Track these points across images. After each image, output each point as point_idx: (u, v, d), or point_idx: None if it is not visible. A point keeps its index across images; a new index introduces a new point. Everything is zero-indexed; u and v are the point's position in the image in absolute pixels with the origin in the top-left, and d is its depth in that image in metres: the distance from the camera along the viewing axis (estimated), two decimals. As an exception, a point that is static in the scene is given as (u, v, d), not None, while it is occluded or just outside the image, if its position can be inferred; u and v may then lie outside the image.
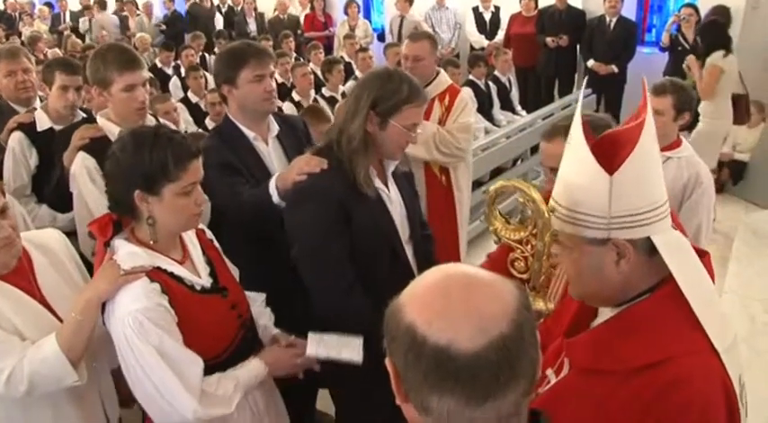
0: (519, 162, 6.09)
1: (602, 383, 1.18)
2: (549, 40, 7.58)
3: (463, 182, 3.71)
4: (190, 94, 6.23)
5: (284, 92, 6.22)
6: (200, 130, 5.10)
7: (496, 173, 5.75)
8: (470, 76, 6.48)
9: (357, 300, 2.06)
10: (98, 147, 2.49)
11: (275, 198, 2.21)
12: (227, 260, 2.04)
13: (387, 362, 0.89)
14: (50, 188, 2.80)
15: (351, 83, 6.41)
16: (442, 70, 3.76)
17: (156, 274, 1.70)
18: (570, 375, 1.30)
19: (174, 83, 7.22)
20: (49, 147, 2.86)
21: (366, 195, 2.08)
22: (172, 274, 1.74)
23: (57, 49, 8.59)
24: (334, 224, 2.06)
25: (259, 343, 2.03)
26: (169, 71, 7.73)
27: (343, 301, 2.07)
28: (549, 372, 1.38)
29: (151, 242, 1.74)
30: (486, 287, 0.85)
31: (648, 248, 1.18)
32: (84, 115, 3.10)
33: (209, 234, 2.04)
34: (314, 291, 2.12)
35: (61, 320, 1.74)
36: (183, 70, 7.25)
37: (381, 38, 9.60)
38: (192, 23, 10.44)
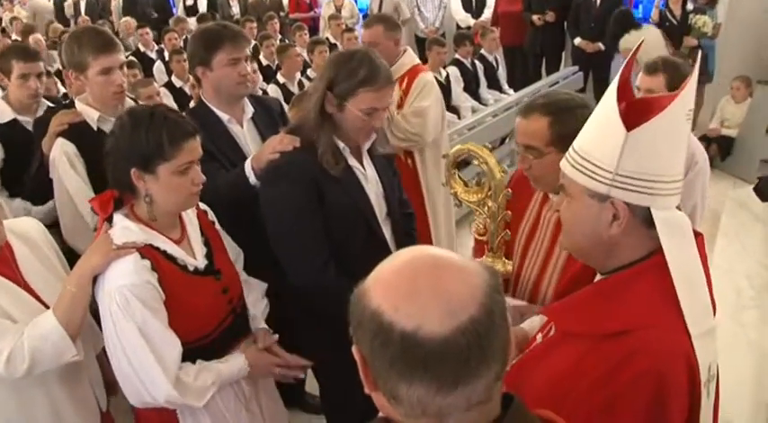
0: (507, 140, 6.07)
1: (572, 348, 1.20)
2: (534, 17, 7.53)
3: (431, 164, 3.66)
4: (174, 78, 6.15)
5: (269, 74, 6.17)
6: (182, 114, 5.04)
7: (484, 152, 5.73)
8: (456, 56, 6.43)
9: (332, 277, 2.06)
10: (77, 132, 2.47)
11: (252, 179, 2.21)
12: (229, 243, 2.05)
13: (353, 349, 0.86)
14: (30, 176, 2.73)
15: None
16: (409, 51, 3.66)
17: (148, 251, 1.71)
18: (553, 336, 1.32)
19: (159, 67, 7.12)
20: (14, 138, 2.80)
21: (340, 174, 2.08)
22: (165, 253, 1.75)
23: (38, 35, 8.45)
24: (307, 202, 2.05)
25: (247, 331, 2.02)
26: (153, 55, 7.63)
27: (318, 279, 2.07)
28: (539, 336, 1.41)
29: (150, 220, 1.76)
30: (453, 270, 0.82)
31: (645, 219, 1.18)
32: (51, 105, 3.04)
33: (211, 215, 2.04)
34: (289, 269, 2.12)
35: (47, 306, 1.74)
36: (167, 54, 7.15)
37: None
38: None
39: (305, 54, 6.37)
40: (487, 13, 8.21)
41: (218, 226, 2.04)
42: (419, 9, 8.36)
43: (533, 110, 1.73)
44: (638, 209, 1.17)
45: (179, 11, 10.24)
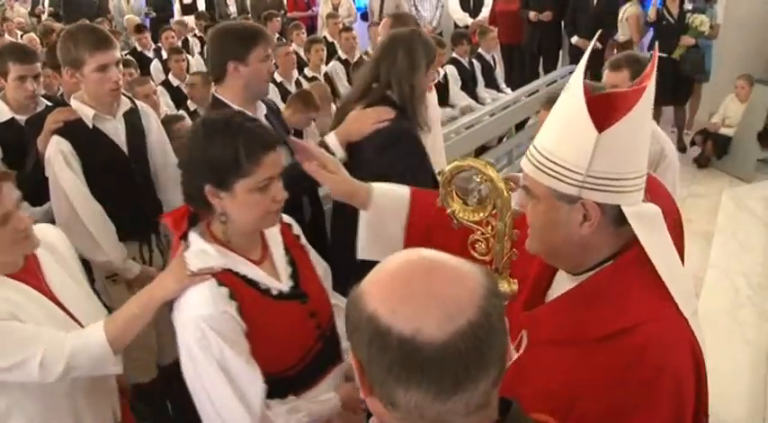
0: (504, 140, 6.07)
1: (567, 354, 1.18)
2: (531, 14, 7.53)
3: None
4: (171, 76, 6.14)
5: (266, 73, 6.15)
6: (181, 112, 5.02)
7: (481, 151, 5.72)
8: (454, 54, 6.43)
9: None
10: (72, 130, 2.45)
11: (340, 153, 2.35)
12: (316, 258, 1.87)
13: (349, 355, 0.85)
14: (25, 175, 2.66)
15: (334, 63, 6.35)
16: None
17: (226, 276, 1.55)
18: (531, 349, 1.29)
19: (156, 66, 7.11)
20: (12, 138, 2.80)
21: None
22: (245, 278, 1.59)
23: (33, 34, 8.43)
24: (422, 155, 2.47)
25: (338, 357, 1.82)
26: (150, 54, 7.61)
27: None
28: (513, 351, 1.37)
29: (226, 241, 1.60)
30: (450, 272, 0.80)
31: (616, 217, 1.17)
32: (49, 104, 3.02)
33: (296, 229, 1.85)
34: None
35: (74, 317, 1.70)
36: (164, 53, 7.13)
37: (365, 17, 9.49)
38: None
39: (302, 53, 6.36)
40: (485, 12, 8.20)
41: (303, 240, 1.85)
42: (416, 8, 8.35)
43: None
44: (607, 207, 1.16)
45: (176, 9, 10.21)
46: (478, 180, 1.21)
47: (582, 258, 1.22)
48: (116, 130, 2.59)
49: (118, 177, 2.58)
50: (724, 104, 6.46)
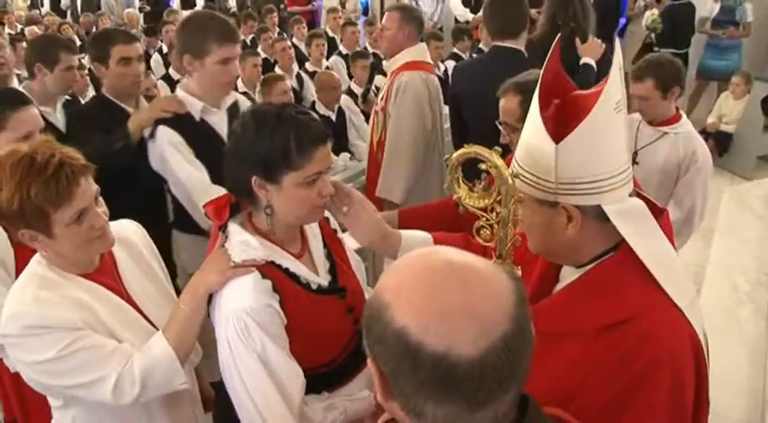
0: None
1: (572, 345, 1.19)
2: (533, 11, 7.49)
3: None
4: (171, 70, 6.12)
5: (267, 67, 6.14)
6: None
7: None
8: (455, 50, 6.42)
9: None
10: (179, 121, 2.37)
11: None
12: (352, 254, 1.83)
13: (369, 363, 0.82)
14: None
15: (335, 58, 6.33)
16: (412, 50, 3.30)
17: (268, 269, 1.51)
18: (537, 342, 1.29)
19: (156, 59, 7.09)
20: None
21: None
22: (287, 271, 1.55)
23: (34, 27, 8.42)
24: None
25: None
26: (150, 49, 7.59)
27: None
28: None
29: (268, 233, 1.57)
30: (482, 282, 0.77)
31: (599, 215, 1.17)
32: (68, 97, 3.01)
33: (333, 223, 1.80)
34: None
35: (150, 320, 1.64)
36: (164, 47, 7.11)
37: (365, 13, 9.49)
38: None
39: (303, 47, 6.34)
40: (486, 8, 8.18)
41: (340, 234, 1.81)
42: (417, 3, 8.34)
43: (508, 89, 1.97)
44: (588, 208, 1.17)
45: (176, 4, 10.19)
46: (484, 167, 1.22)
47: (577, 255, 1.24)
48: (221, 122, 2.52)
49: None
50: (719, 103, 6.46)
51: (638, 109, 2.91)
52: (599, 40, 3.62)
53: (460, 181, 1.34)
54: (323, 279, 1.63)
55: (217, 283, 1.51)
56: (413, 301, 0.76)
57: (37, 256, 1.56)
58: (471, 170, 1.30)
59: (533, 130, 1.20)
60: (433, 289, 0.76)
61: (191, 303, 1.54)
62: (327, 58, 6.30)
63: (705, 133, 6.39)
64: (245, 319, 1.45)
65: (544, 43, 3.11)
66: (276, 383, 1.47)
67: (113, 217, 1.65)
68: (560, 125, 1.15)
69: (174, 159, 2.33)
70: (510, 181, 1.20)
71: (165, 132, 2.35)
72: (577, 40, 3.58)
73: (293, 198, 1.48)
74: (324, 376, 1.62)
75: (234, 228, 1.55)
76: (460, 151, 1.29)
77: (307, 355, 1.55)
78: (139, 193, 2.42)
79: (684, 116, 2.93)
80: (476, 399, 0.75)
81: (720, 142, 6.26)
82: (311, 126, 1.46)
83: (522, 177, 1.22)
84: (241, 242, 1.52)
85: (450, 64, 6.17)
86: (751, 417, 2.94)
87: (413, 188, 3.25)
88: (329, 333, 1.61)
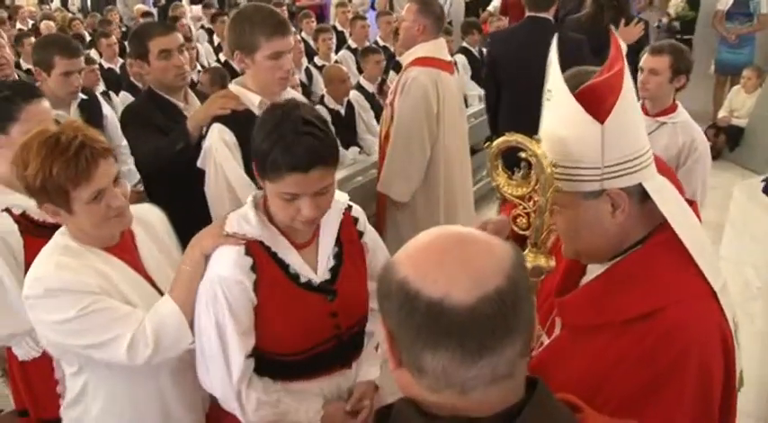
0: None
1: (597, 339, 1.18)
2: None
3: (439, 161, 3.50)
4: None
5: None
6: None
7: (490, 140, 5.72)
8: (464, 44, 6.40)
9: None
10: (235, 118, 2.28)
11: None
12: (375, 254, 1.81)
13: (381, 325, 0.88)
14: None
15: (344, 52, 6.33)
16: (427, 46, 3.23)
17: (256, 249, 1.57)
18: (563, 335, 1.30)
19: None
20: None
21: None
22: (274, 256, 1.59)
23: (50, 22, 8.44)
24: None
25: (348, 364, 1.79)
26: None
27: None
28: (544, 337, 1.38)
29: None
30: (482, 244, 0.83)
31: (640, 196, 1.18)
32: (84, 97, 2.99)
33: (362, 224, 1.79)
34: None
35: (162, 294, 1.69)
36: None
37: (373, 6, 9.47)
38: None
39: (311, 41, 6.33)
40: (496, 2, 8.16)
41: (366, 238, 1.79)
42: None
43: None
44: (632, 189, 1.18)
45: (185, -1, 10.20)
46: (524, 156, 1.22)
47: (618, 246, 1.23)
48: None
49: None
50: (729, 97, 6.41)
51: (642, 86, 2.92)
52: (641, 25, 4.01)
53: (500, 169, 1.34)
54: (318, 276, 1.65)
55: (208, 247, 1.59)
56: (416, 256, 0.83)
57: (62, 229, 1.67)
58: (510, 158, 1.30)
59: (567, 119, 1.18)
60: (437, 247, 0.83)
61: (190, 263, 1.62)
62: (336, 53, 6.30)
63: (716, 127, 6.35)
64: (215, 287, 1.55)
65: (591, 23, 4.19)
66: (223, 353, 1.57)
67: (174, 220, 1.83)
68: (596, 106, 1.14)
69: (222, 154, 2.25)
70: (548, 170, 1.20)
71: (217, 129, 2.28)
72: (619, 25, 3.98)
73: (274, 203, 1.54)
74: (291, 364, 1.66)
75: (249, 202, 1.63)
76: (501, 139, 1.29)
77: (274, 340, 1.62)
78: (200, 195, 2.36)
79: (680, 106, 2.98)
80: (469, 348, 0.78)
81: (731, 136, 6.22)
82: (300, 148, 1.42)
83: (559, 176, 1.19)
84: (241, 216, 1.59)
85: (460, 58, 6.16)
86: (762, 411, 2.93)
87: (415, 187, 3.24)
88: (303, 327, 1.63)
